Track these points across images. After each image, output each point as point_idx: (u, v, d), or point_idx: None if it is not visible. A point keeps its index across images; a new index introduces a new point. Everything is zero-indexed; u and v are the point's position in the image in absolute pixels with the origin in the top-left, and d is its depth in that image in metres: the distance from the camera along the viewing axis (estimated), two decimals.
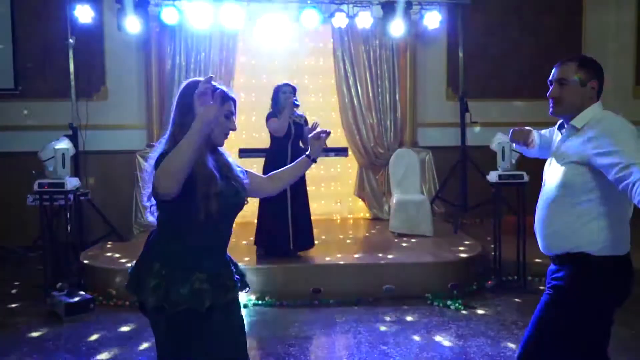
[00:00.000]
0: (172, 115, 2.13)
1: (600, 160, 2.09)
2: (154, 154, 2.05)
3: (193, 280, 2.01)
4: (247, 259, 5.39)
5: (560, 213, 2.26)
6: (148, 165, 2.08)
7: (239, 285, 2.22)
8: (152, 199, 2.08)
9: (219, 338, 2.08)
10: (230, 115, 2.19)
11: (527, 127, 2.66)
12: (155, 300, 2.00)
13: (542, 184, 2.42)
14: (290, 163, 5.46)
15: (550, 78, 2.37)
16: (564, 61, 2.34)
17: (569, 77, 2.31)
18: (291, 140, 5.32)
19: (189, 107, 2.00)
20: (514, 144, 2.70)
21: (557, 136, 2.44)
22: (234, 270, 2.24)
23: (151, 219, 2.18)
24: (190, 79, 2.19)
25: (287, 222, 5.28)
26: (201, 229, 2.05)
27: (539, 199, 2.42)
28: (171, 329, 2.04)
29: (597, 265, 2.20)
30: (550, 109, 2.35)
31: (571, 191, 2.22)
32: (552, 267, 2.39)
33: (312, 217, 5.59)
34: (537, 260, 5.27)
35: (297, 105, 5.30)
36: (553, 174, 2.33)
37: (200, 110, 1.87)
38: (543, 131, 2.64)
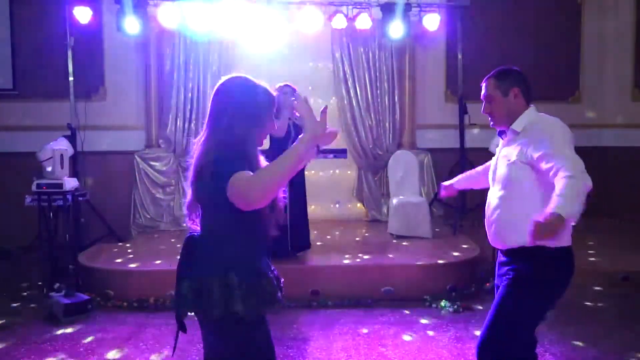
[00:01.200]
0: (220, 120, 1.99)
1: (541, 165, 2.31)
2: (208, 162, 1.91)
3: (264, 286, 2.00)
4: None
5: (513, 209, 2.45)
6: (197, 173, 1.96)
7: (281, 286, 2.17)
8: (208, 207, 1.98)
9: (269, 342, 2.10)
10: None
11: (448, 183, 3.06)
12: (225, 311, 1.92)
13: (491, 184, 2.63)
14: None
15: (481, 96, 2.59)
16: (487, 78, 2.56)
17: (492, 92, 2.54)
18: (291, 141, 5.31)
19: (256, 116, 1.99)
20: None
21: (499, 141, 2.65)
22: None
23: (190, 225, 2.08)
24: (240, 79, 2.06)
25: (286, 225, 5.27)
26: (260, 232, 2.04)
27: (489, 198, 2.62)
28: (240, 337, 1.99)
29: (551, 256, 2.42)
30: (492, 125, 2.60)
31: (520, 188, 2.42)
32: (502, 259, 2.60)
33: (310, 219, 5.60)
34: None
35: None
36: (502, 173, 2.52)
37: (313, 131, 1.82)
38: (485, 164, 2.90)
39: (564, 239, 2.45)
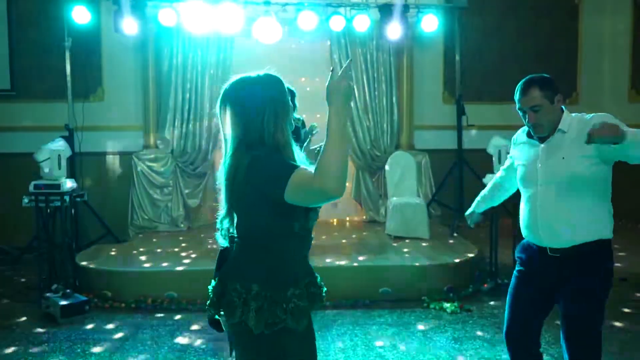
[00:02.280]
0: (249, 120, 1.85)
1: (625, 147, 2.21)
2: (252, 167, 1.78)
3: (290, 298, 1.86)
4: None
5: (578, 205, 2.43)
6: (233, 179, 1.83)
7: (324, 291, 2.04)
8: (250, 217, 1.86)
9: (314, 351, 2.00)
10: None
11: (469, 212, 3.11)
12: (240, 319, 1.83)
13: (536, 184, 2.55)
14: None
15: (520, 106, 2.54)
16: (525, 89, 2.51)
17: (539, 102, 2.49)
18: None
19: (283, 110, 1.87)
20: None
21: (529, 144, 2.62)
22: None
23: (222, 241, 1.97)
24: (254, 77, 1.93)
25: None
26: (302, 237, 1.92)
27: (532, 201, 2.57)
28: (250, 349, 1.89)
29: (609, 247, 2.46)
30: (534, 132, 2.55)
31: (583, 183, 2.41)
32: (552, 260, 2.50)
33: None
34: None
35: (294, 109, 5.30)
36: (555, 171, 2.48)
37: (342, 97, 1.73)
38: (500, 172, 2.94)
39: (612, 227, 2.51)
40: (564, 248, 2.46)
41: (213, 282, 1.98)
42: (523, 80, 2.56)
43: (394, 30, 6.92)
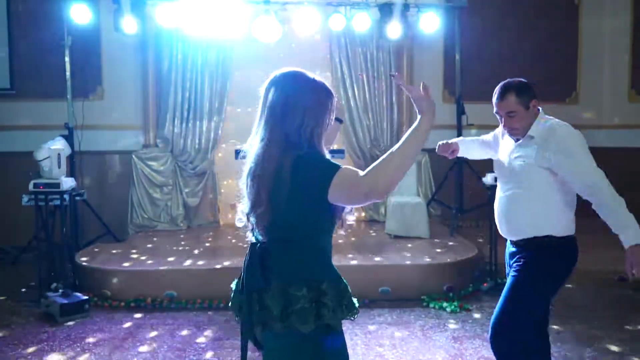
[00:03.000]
0: (287, 118, 1.80)
1: (569, 177, 2.55)
2: (293, 165, 1.74)
3: (347, 292, 1.87)
4: (242, 260, 5.37)
5: (526, 204, 2.63)
6: (269, 179, 1.77)
7: None
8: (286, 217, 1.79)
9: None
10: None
11: (451, 141, 3.07)
12: (316, 324, 1.76)
13: (502, 181, 2.80)
14: None
15: (496, 110, 2.69)
16: (502, 95, 2.65)
17: (514, 108, 2.63)
18: None
19: (324, 115, 1.83)
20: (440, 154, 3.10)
21: (507, 141, 2.79)
22: None
23: (251, 236, 1.92)
24: (304, 75, 1.88)
25: None
26: (331, 237, 1.90)
27: (501, 193, 2.79)
28: (332, 349, 1.86)
29: (558, 244, 2.64)
30: (510, 135, 2.72)
31: (536, 187, 2.60)
32: (512, 249, 2.78)
33: None
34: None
35: None
36: (513, 172, 2.70)
37: (432, 111, 1.73)
38: (483, 137, 3.07)
39: (569, 228, 2.70)
40: (516, 240, 2.71)
41: (265, 295, 1.81)
42: (500, 84, 2.69)
43: (394, 30, 6.92)
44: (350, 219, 1.92)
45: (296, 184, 1.74)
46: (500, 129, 2.88)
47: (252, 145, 1.85)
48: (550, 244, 2.64)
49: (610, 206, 2.49)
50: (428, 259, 5.44)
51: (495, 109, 2.69)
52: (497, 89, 2.69)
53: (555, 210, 2.64)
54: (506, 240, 2.87)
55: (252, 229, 1.89)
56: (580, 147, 2.55)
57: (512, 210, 2.71)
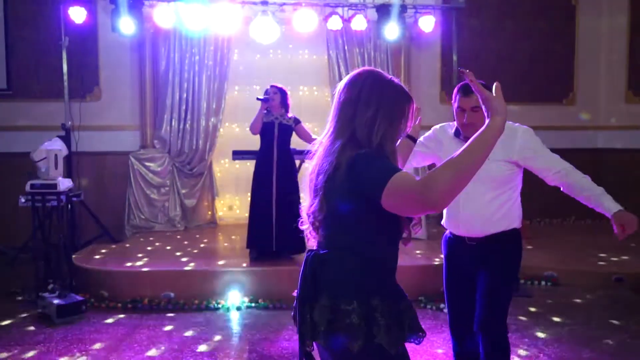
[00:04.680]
0: (358, 117, 1.68)
1: (541, 170, 2.70)
2: (350, 165, 1.62)
3: (407, 311, 1.74)
4: (240, 261, 5.38)
5: (496, 201, 2.70)
6: (329, 179, 1.66)
7: None
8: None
9: None
10: None
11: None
12: (366, 342, 1.63)
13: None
14: (276, 164, 5.50)
15: (459, 105, 2.70)
16: (468, 91, 2.66)
17: (478, 104, 2.65)
18: (276, 141, 5.32)
19: (398, 115, 1.71)
20: None
21: (456, 142, 2.75)
22: None
23: (310, 238, 1.79)
24: (381, 74, 1.77)
25: (271, 221, 5.26)
26: (396, 246, 1.77)
27: (466, 192, 2.72)
28: None
29: (518, 236, 2.79)
30: (465, 131, 2.70)
31: (500, 183, 2.69)
32: (472, 244, 2.75)
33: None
34: (528, 263, 5.30)
35: (263, 101, 5.29)
36: (485, 170, 2.69)
37: (503, 112, 1.58)
38: (421, 139, 2.95)
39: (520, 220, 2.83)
40: (479, 237, 2.73)
41: (315, 307, 1.69)
42: (462, 83, 2.70)
43: (392, 31, 6.93)
44: (418, 232, 1.76)
45: (351, 183, 1.61)
46: (438, 132, 2.87)
47: (320, 144, 1.75)
48: (513, 237, 2.75)
49: (583, 183, 2.64)
50: (425, 260, 5.44)
51: (457, 105, 2.70)
52: (459, 86, 2.71)
53: (517, 203, 2.77)
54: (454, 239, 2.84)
55: (312, 231, 1.77)
56: (541, 142, 2.76)
57: (484, 207, 2.70)
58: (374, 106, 1.68)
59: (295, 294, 1.84)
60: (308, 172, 1.78)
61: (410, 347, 1.81)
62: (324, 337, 1.65)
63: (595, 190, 2.61)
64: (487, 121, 1.58)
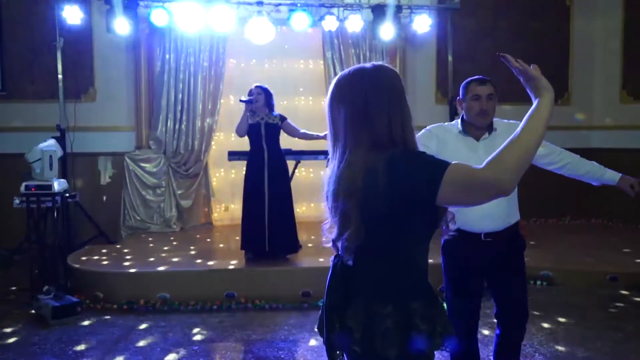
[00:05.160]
0: (383, 115, 1.58)
1: (542, 161, 2.83)
2: (416, 159, 1.53)
3: (444, 316, 1.67)
4: (235, 262, 5.37)
5: (511, 196, 2.69)
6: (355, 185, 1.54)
7: None
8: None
9: None
10: None
11: None
12: (402, 350, 1.56)
13: None
14: (267, 164, 5.49)
15: (476, 94, 2.75)
16: (483, 81, 2.79)
17: (494, 92, 2.80)
18: (265, 142, 5.30)
19: (408, 109, 1.62)
20: None
21: (462, 142, 2.79)
22: None
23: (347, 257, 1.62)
24: (386, 67, 1.66)
25: (264, 222, 5.25)
26: (428, 246, 1.68)
27: None
28: None
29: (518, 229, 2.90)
30: (481, 120, 2.75)
31: None
32: (488, 240, 2.78)
33: (300, 220, 5.58)
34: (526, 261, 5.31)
35: (246, 102, 5.27)
36: None
37: (549, 86, 1.56)
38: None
39: None
40: (496, 231, 2.76)
41: (347, 314, 1.61)
42: (473, 78, 2.83)
43: (387, 31, 6.94)
44: (454, 227, 1.72)
45: (395, 187, 1.50)
46: (438, 131, 2.84)
47: (332, 160, 1.64)
48: (517, 228, 2.87)
49: (582, 160, 2.84)
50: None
51: (473, 94, 2.75)
52: (474, 78, 2.82)
53: (518, 196, 2.86)
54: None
55: (340, 251, 1.65)
56: None
57: (502, 203, 2.67)
58: (384, 104, 1.58)
59: (320, 303, 1.78)
60: (325, 191, 1.67)
61: None
62: (358, 344, 1.56)
63: (593, 165, 2.82)
64: (536, 100, 1.55)
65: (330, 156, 1.68)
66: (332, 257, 1.73)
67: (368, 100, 1.58)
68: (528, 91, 1.58)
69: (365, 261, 1.60)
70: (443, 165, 1.47)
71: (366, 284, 1.60)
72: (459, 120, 2.83)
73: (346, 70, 1.68)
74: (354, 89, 1.61)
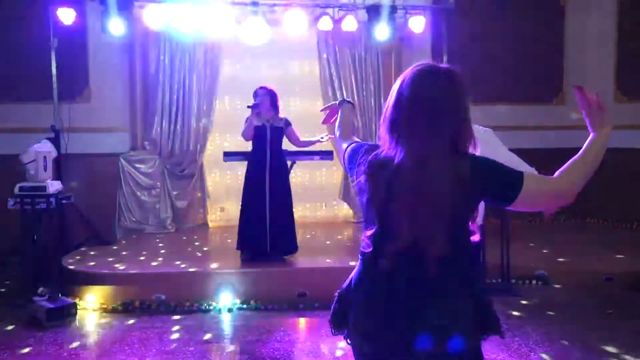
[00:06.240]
0: (459, 119, 1.59)
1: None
2: (473, 172, 1.56)
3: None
4: (231, 263, 5.36)
5: None
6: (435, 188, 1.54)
7: None
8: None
9: None
10: None
11: None
12: (477, 340, 1.66)
13: None
14: (269, 166, 5.50)
15: None
16: None
17: None
18: (269, 144, 5.31)
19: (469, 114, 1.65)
20: None
21: None
22: None
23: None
24: (443, 67, 1.67)
25: (265, 223, 5.26)
26: None
27: None
28: None
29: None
30: None
31: None
32: None
33: (297, 221, 5.59)
34: (518, 263, 5.33)
35: (253, 107, 5.28)
36: None
37: (609, 122, 1.71)
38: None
39: None
40: None
41: (432, 312, 1.60)
42: None
43: (382, 32, 6.94)
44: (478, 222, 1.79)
45: (476, 192, 1.58)
46: None
47: (390, 161, 1.59)
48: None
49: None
50: None
51: None
52: None
53: None
54: None
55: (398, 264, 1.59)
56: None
57: None
58: (461, 108, 1.60)
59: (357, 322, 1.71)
60: (370, 196, 1.63)
61: None
62: (441, 342, 1.55)
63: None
64: (594, 134, 1.69)
65: (385, 145, 1.64)
66: (383, 262, 1.61)
67: (456, 105, 1.59)
68: (587, 123, 1.71)
69: (446, 261, 1.57)
70: (519, 173, 1.60)
71: (451, 282, 1.61)
72: None
73: (419, 69, 1.66)
74: (442, 91, 1.59)
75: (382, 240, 1.60)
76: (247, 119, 5.33)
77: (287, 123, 5.45)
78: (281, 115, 5.44)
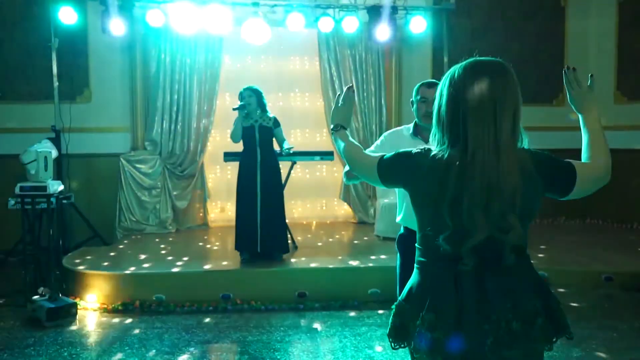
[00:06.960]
0: (509, 116, 1.59)
1: None
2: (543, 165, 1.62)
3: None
4: (231, 263, 5.36)
5: None
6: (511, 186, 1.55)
7: None
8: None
9: None
10: None
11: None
12: (546, 344, 1.66)
13: None
14: (260, 166, 5.51)
15: (424, 96, 2.84)
16: (431, 84, 2.86)
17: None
18: (259, 144, 5.32)
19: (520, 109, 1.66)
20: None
21: (415, 142, 2.83)
22: None
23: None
24: (500, 62, 1.71)
25: (256, 223, 5.26)
26: None
27: None
28: None
29: None
30: (426, 120, 2.77)
31: None
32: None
33: (296, 221, 5.59)
34: None
35: (239, 110, 5.28)
36: None
37: (596, 104, 1.85)
38: (371, 148, 2.96)
39: None
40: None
41: (507, 316, 1.56)
42: (425, 81, 2.91)
43: (383, 32, 6.95)
44: None
45: (544, 185, 1.63)
46: (391, 137, 2.96)
47: (454, 161, 1.58)
48: None
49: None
50: None
51: (420, 96, 2.85)
52: (425, 82, 2.90)
53: None
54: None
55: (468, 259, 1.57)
56: None
57: None
58: (512, 105, 1.61)
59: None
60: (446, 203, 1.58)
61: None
62: (517, 343, 1.55)
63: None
64: (581, 114, 1.84)
65: (434, 142, 1.67)
66: (464, 261, 1.58)
67: (512, 98, 1.60)
68: (572, 105, 1.86)
69: (520, 252, 1.61)
70: (570, 163, 1.66)
71: (520, 282, 1.61)
72: (413, 123, 2.95)
73: (470, 65, 1.66)
74: (499, 85, 1.60)
75: (460, 240, 1.56)
76: (235, 121, 5.35)
77: (277, 123, 5.46)
78: (270, 114, 5.44)
